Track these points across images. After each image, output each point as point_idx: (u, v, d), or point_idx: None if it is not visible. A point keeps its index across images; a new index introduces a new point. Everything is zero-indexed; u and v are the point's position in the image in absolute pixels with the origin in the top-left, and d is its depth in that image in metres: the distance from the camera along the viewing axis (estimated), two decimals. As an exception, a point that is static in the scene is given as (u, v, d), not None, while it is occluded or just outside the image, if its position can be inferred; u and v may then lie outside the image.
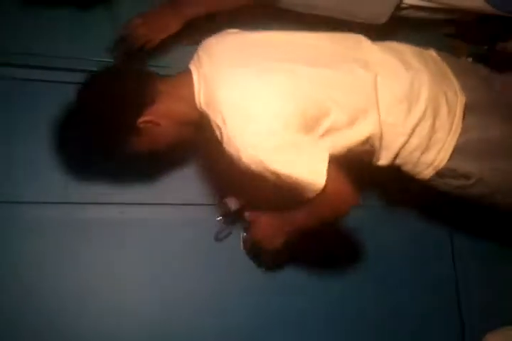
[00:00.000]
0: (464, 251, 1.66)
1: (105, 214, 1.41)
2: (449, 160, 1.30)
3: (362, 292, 1.53)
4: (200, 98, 1.22)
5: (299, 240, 1.30)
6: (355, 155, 1.29)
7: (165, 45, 1.44)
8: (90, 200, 1.41)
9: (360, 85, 1.25)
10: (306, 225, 1.26)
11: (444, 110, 1.29)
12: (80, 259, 1.37)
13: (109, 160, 1.36)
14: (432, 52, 1.42)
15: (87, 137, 1.29)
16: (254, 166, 1.15)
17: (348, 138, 1.25)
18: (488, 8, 1.49)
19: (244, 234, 1.43)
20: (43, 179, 1.38)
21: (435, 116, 1.29)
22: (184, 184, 1.48)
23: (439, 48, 1.44)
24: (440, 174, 1.32)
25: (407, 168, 1.34)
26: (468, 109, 1.32)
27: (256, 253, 1.43)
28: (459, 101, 1.32)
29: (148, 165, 1.42)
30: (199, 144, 1.41)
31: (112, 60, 1.45)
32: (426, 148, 1.30)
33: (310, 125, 1.19)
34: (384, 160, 1.32)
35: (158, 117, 1.24)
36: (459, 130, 1.30)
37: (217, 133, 1.20)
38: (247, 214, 1.37)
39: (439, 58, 1.40)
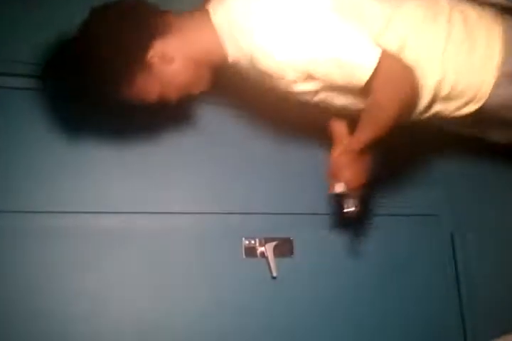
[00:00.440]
0: (466, 253, 1.64)
1: (111, 223, 1.39)
2: None
3: (362, 293, 1.52)
4: (223, 25, 1.15)
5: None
6: None
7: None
8: (93, 209, 1.39)
9: None
10: (377, 126, 1.17)
11: None
12: (89, 268, 1.35)
13: (114, 106, 1.24)
14: None
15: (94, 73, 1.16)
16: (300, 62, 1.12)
17: None
18: None
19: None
20: (44, 188, 1.36)
21: None
22: (190, 193, 1.46)
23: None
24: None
25: None
26: None
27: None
28: None
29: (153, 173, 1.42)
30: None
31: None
32: None
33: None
34: None
35: (171, 51, 1.16)
36: None
37: (247, 60, 1.14)
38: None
39: None
